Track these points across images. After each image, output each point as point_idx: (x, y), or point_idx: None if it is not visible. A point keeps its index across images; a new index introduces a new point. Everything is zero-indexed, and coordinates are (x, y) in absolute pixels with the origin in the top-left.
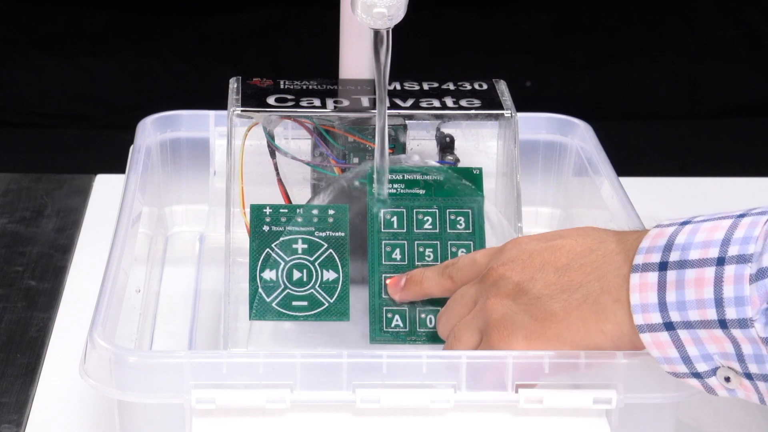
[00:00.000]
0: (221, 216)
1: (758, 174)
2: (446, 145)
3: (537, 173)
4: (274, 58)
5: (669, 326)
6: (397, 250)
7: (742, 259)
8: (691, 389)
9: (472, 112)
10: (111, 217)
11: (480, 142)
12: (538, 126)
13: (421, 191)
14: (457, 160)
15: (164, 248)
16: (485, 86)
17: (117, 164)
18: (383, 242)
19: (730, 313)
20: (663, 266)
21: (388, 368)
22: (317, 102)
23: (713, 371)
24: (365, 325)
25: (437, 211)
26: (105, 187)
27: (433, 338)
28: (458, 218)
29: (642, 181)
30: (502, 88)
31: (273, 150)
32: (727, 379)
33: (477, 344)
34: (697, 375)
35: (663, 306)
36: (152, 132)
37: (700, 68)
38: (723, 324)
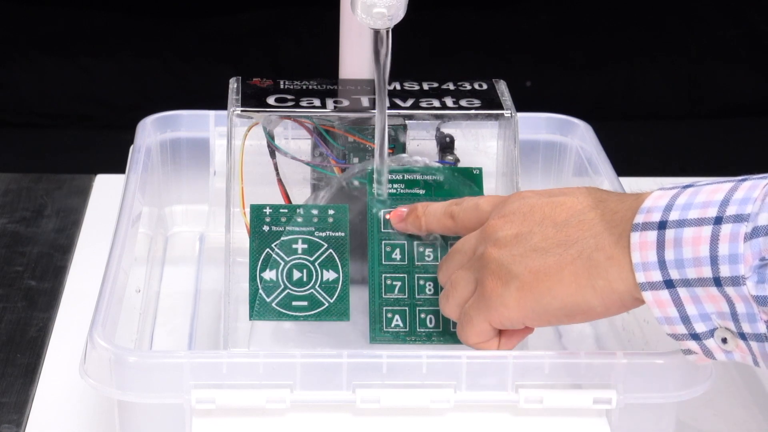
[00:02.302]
0: (221, 216)
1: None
2: (446, 145)
3: (537, 173)
4: (274, 58)
5: (669, 284)
6: (397, 250)
7: (739, 218)
8: (693, 390)
9: (472, 112)
10: (111, 217)
11: (480, 142)
12: (538, 126)
13: (421, 191)
14: (457, 160)
15: (164, 248)
16: (485, 86)
17: (117, 164)
18: (383, 242)
19: (724, 271)
20: (662, 225)
21: (388, 368)
22: (317, 102)
23: (711, 332)
24: (365, 325)
25: None
26: (105, 187)
27: (433, 338)
28: None
29: (642, 181)
30: (502, 88)
31: (273, 150)
32: (724, 341)
33: (471, 293)
34: (695, 336)
35: (662, 264)
36: (152, 132)
37: (700, 68)
38: (717, 282)
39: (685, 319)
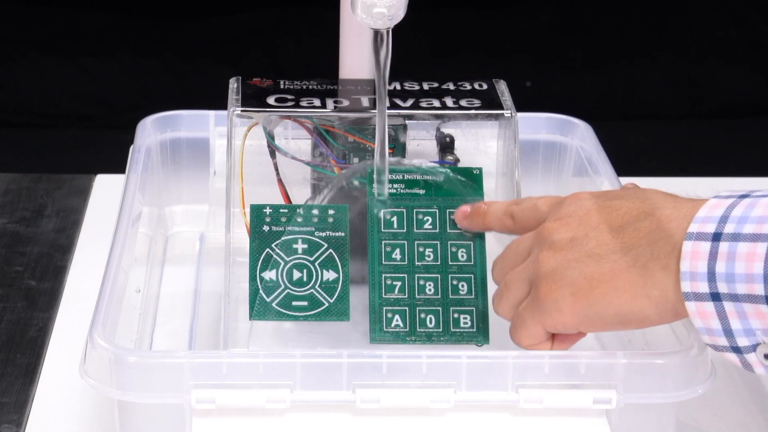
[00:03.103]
0: (221, 216)
1: (758, 174)
2: (446, 145)
3: (537, 173)
4: (274, 58)
5: (715, 297)
6: (397, 250)
7: None
8: (693, 390)
9: (472, 112)
10: (111, 217)
11: (480, 142)
12: (538, 126)
13: (421, 191)
14: (457, 160)
15: (164, 248)
16: (485, 86)
17: (117, 164)
18: (383, 242)
19: None
20: (717, 237)
21: (388, 368)
22: (317, 102)
23: (753, 347)
24: (365, 325)
25: (437, 211)
26: (105, 187)
27: (433, 338)
28: None
29: (642, 181)
30: (502, 88)
31: (273, 150)
32: (767, 357)
33: (525, 295)
34: (737, 349)
35: (712, 276)
36: (152, 132)
37: (700, 68)
38: None
39: (728, 332)
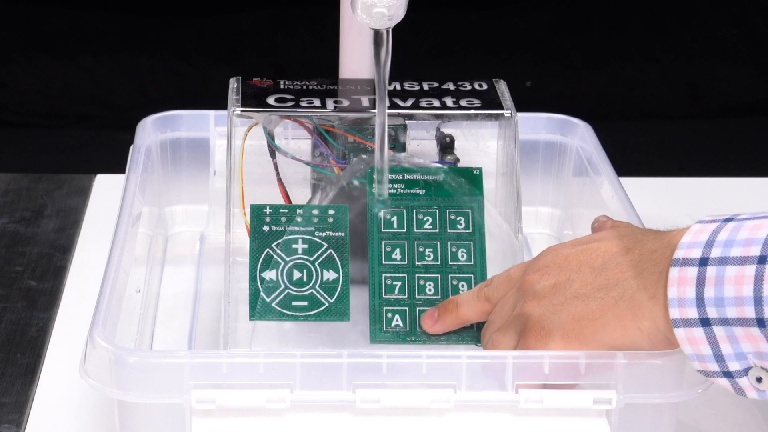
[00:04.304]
0: (221, 216)
1: (758, 174)
2: (446, 145)
3: (537, 173)
4: (274, 58)
5: (705, 322)
6: (397, 250)
7: None
8: (693, 390)
9: (472, 112)
10: (111, 217)
11: (480, 142)
12: (538, 126)
13: (421, 191)
14: (457, 160)
15: (164, 248)
16: (485, 86)
17: (117, 164)
18: (383, 242)
19: None
20: (703, 262)
21: (388, 368)
22: (317, 102)
23: (745, 371)
24: (365, 325)
25: (437, 211)
26: (105, 187)
27: (433, 338)
28: (458, 218)
29: (642, 181)
30: (502, 88)
31: (273, 150)
32: (759, 380)
33: (513, 348)
34: (728, 374)
35: (700, 301)
36: (152, 132)
37: (700, 68)
38: (761, 323)
39: (719, 357)
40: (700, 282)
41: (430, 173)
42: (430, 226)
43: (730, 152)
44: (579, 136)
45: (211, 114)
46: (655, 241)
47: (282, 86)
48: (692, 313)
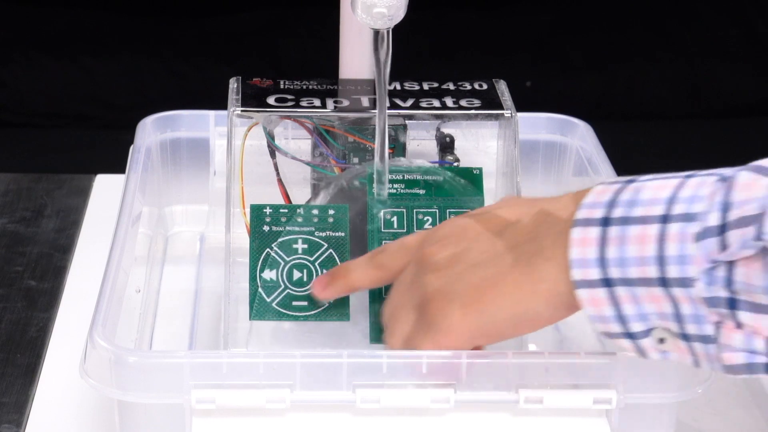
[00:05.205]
0: (221, 216)
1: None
2: (446, 145)
3: (537, 173)
4: (274, 58)
5: (607, 282)
6: None
7: (688, 217)
8: (693, 390)
9: (472, 112)
10: (111, 217)
11: (480, 142)
12: (538, 126)
13: (421, 191)
14: (457, 160)
15: (164, 248)
16: (485, 86)
17: (117, 164)
18: (383, 242)
19: (672, 272)
20: (605, 222)
21: (388, 368)
22: (317, 102)
23: (647, 332)
24: (365, 325)
25: (437, 211)
26: (105, 187)
27: None
28: None
29: None
30: (502, 88)
31: (273, 150)
32: (662, 341)
33: (415, 322)
34: (630, 335)
35: (603, 261)
36: (152, 132)
37: (700, 68)
38: (663, 282)
39: (621, 318)
40: (602, 242)
41: (430, 173)
42: (430, 226)
43: (730, 152)
44: (579, 136)
45: (211, 114)
46: (553, 203)
47: (282, 86)
48: (594, 274)
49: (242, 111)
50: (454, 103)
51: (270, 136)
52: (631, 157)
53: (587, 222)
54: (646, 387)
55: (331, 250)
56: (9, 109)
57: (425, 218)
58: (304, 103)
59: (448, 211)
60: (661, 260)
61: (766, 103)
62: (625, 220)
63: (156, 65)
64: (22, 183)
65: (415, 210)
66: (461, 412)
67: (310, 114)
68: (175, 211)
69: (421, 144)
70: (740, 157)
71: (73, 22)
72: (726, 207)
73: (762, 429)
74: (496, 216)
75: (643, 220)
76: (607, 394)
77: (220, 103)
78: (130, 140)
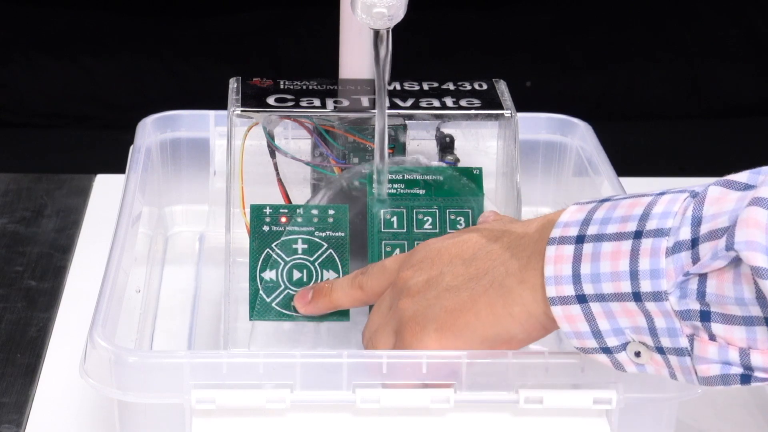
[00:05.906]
0: (221, 216)
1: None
2: (446, 145)
3: (537, 173)
4: (274, 58)
5: (581, 299)
6: (397, 250)
7: (660, 233)
8: (693, 390)
9: (472, 112)
10: (111, 217)
11: (480, 142)
12: (538, 126)
13: (421, 191)
14: (457, 160)
15: (164, 248)
16: (485, 86)
17: (117, 164)
18: (383, 242)
19: (645, 286)
20: (580, 239)
21: (388, 368)
22: (317, 102)
23: (623, 346)
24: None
25: (437, 211)
26: (105, 187)
27: None
28: (458, 218)
29: (642, 181)
30: (502, 88)
31: (273, 150)
32: (637, 354)
33: (393, 347)
34: (606, 350)
35: (577, 278)
36: (152, 132)
37: (700, 68)
38: (637, 297)
39: (597, 334)
40: (577, 259)
41: (430, 173)
42: (430, 226)
43: (730, 152)
44: (579, 136)
45: (211, 114)
46: (524, 226)
47: (282, 86)
48: (569, 290)
49: (242, 111)
50: (454, 103)
51: (270, 136)
52: (631, 157)
53: (562, 240)
54: (646, 387)
55: (331, 250)
56: (9, 109)
57: (425, 218)
58: (304, 103)
59: (448, 211)
60: (634, 275)
61: (766, 103)
62: (599, 237)
63: (156, 65)
64: (22, 183)
65: (415, 210)
66: (461, 412)
67: (310, 114)
68: (175, 211)
69: (421, 144)
70: (740, 157)
71: (73, 22)
72: (697, 221)
73: (762, 429)
74: (469, 239)
75: (617, 237)
76: (607, 394)
77: (220, 103)
78: (130, 140)
